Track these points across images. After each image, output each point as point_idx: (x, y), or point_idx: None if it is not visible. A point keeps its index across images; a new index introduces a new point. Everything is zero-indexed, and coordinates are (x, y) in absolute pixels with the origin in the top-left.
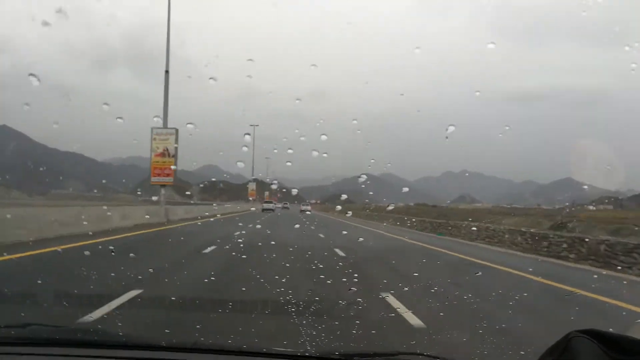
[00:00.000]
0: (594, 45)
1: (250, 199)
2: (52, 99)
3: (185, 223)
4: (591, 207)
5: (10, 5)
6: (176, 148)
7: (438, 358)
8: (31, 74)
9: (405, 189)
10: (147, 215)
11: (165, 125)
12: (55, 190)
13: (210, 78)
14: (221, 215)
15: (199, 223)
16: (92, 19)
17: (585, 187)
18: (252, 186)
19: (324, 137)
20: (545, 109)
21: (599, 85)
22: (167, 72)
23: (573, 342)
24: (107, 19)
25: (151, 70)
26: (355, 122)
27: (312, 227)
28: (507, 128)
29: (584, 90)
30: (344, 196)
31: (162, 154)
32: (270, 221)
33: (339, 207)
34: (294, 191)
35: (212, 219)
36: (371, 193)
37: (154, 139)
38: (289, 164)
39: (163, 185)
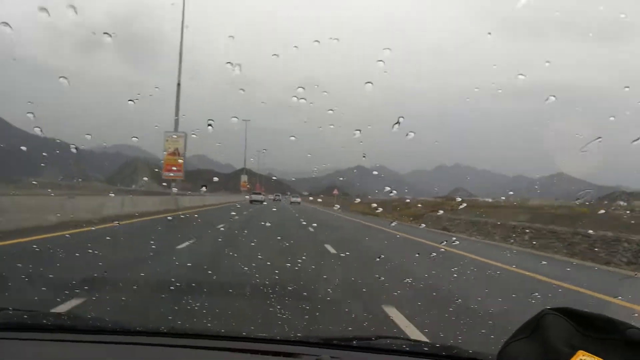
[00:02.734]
0: (590, 41)
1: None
2: (34, 82)
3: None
4: (622, 203)
5: None
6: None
7: (418, 342)
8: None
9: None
10: None
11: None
12: (29, 178)
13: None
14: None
15: None
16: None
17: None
18: (172, 144)
19: (315, 129)
20: (536, 105)
21: (594, 82)
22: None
23: (544, 319)
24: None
25: (139, 54)
26: (350, 116)
27: None
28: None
29: (578, 87)
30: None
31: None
32: None
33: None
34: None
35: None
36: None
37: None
38: (264, 151)
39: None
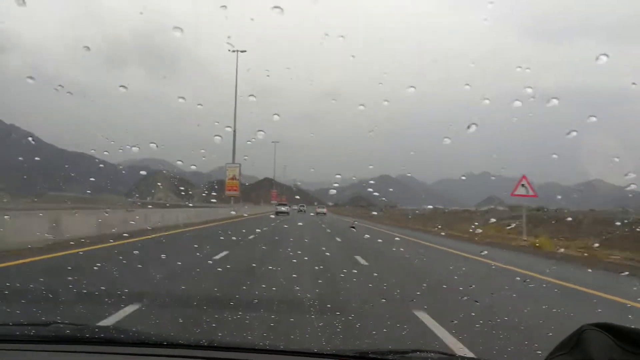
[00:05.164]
0: (615, 44)
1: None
2: (62, 98)
3: None
4: None
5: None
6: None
7: (454, 355)
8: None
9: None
10: None
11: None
12: (55, 192)
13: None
14: None
15: None
16: (104, 17)
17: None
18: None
19: (337, 139)
20: (563, 109)
21: (621, 85)
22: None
23: (585, 334)
24: (118, 16)
25: (163, 68)
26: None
27: None
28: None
29: (606, 91)
30: None
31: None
32: None
33: None
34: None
35: None
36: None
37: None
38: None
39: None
